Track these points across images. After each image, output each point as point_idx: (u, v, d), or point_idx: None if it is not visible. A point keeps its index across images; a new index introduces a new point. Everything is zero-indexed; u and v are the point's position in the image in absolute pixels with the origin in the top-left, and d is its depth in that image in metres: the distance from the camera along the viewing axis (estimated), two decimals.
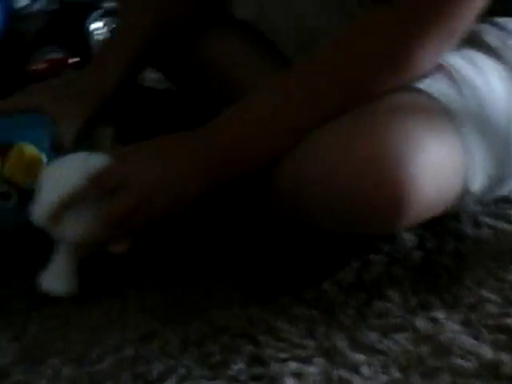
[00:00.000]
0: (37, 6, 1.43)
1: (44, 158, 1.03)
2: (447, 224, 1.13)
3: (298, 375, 0.90)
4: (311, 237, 1.01)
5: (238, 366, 0.91)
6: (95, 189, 0.96)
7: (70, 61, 1.36)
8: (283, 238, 1.03)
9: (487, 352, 0.91)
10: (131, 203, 0.96)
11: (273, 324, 0.97)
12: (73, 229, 0.98)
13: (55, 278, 1.03)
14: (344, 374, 0.89)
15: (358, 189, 0.89)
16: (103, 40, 1.40)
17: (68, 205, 0.96)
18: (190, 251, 1.10)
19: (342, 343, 0.93)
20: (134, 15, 1.15)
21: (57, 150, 1.05)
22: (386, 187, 0.88)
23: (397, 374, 0.89)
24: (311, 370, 0.90)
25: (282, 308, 0.99)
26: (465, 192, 0.98)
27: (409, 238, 1.11)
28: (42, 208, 0.99)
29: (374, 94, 0.93)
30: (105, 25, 1.42)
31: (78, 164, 0.99)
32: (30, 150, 1.03)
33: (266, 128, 0.95)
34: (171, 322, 0.98)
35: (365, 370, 0.90)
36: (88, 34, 1.41)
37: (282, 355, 0.92)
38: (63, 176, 0.99)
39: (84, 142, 1.08)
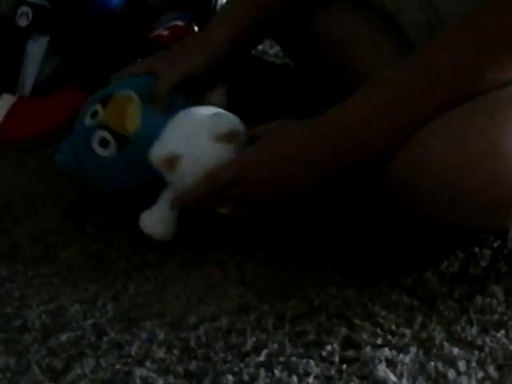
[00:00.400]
0: None
1: (138, 101, 1.04)
2: None
3: (391, 363, 0.88)
4: (418, 224, 0.98)
5: (332, 348, 0.91)
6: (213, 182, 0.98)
7: (192, 28, 1.36)
8: (389, 224, 1.01)
9: None
10: (241, 191, 0.97)
11: (370, 308, 0.95)
12: (187, 176, 0.99)
13: (156, 222, 1.03)
14: (440, 366, 0.88)
15: (471, 183, 0.86)
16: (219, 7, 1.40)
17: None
18: (294, 230, 1.09)
19: (439, 335, 0.91)
20: None
21: (153, 101, 1.06)
22: (497, 184, 0.86)
23: (493, 372, 0.86)
24: (406, 359, 0.89)
25: (380, 293, 0.97)
26: None
27: None
28: (162, 149, 0.99)
29: (487, 85, 0.90)
30: None
31: (205, 118, 0.99)
32: (126, 95, 1.05)
33: (384, 120, 0.94)
34: (268, 296, 0.98)
35: (461, 365, 0.88)
36: (213, 3, 1.41)
37: (377, 341, 0.91)
38: (191, 127, 1.00)
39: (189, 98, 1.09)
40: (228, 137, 0.98)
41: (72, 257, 1.07)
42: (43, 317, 0.98)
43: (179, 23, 1.38)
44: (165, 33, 1.38)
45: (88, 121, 1.05)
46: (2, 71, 1.35)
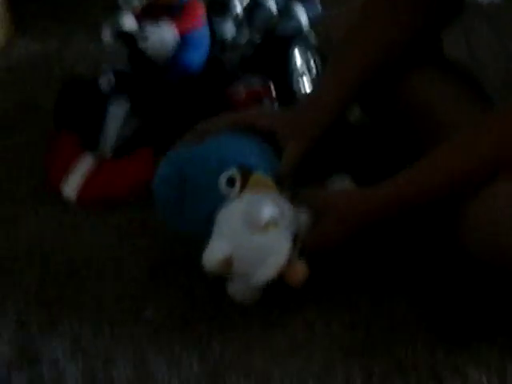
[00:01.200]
0: (242, 37, 1.47)
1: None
2: None
3: None
4: (506, 281, 0.97)
5: None
6: None
7: (270, 92, 1.38)
8: (478, 280, 1.00)
9: None
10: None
11: (461, 368, 0.94)
12: (245, 272, 0.99)
13: (241, 288, 1.03)
14: None
15: None
16: (320, 77, 1.41)
17: None
18: (374, 286, 1.08)
19: None
20: (351, 50, 1.15)
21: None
22: None
23: None
24: None
25: (471, 352, 0.96)
26: None
27: None
28: (212, 256, 0.98)
29: None
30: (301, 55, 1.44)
31: (242, 213, 0.99)
32: (267, 180, 1.04)
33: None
34: (355, 354, 0.97)
35: None
36: (289, 64, 1.43)
37: None
38: (231, 225, 0.99)
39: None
40: (268, 225, 0.98)
41: (156, 318, 1.07)
42: (130, 376, 0.99)
43: (257, 86, 1.39)
44: (242, 95, 1.39)
45: (223, 186, 1.04)
46: (83, 133, 1.38)
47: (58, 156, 1.38)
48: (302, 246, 1.01)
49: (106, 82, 1.35)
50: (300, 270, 1.00)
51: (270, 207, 0.98)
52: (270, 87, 1.37)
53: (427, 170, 0.99)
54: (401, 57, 1.13)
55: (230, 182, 1.03)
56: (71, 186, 1.32)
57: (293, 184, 1.07)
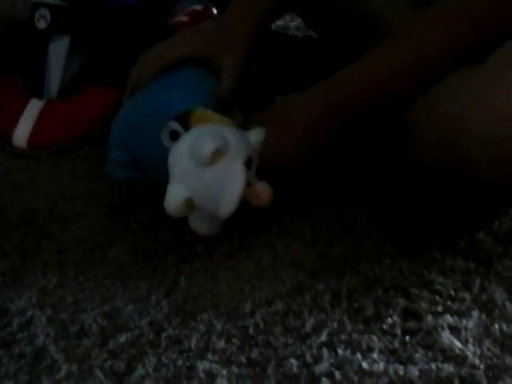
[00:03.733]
0: None
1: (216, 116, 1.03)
2: None
3: (454, 329, 0.87)
4: (464, 185, 0.97)
5: (392, 320, 0.90)
6: None
7: (212, 12, 1.35)
8: (434, 188, 1.00)
9: None
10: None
11: (426, 276, 0.94)
12: (208, 207, 0.99)
13: (203, 220, 1.03)
14: (504, 327, 0.86)
15: None
16: None
17: None
18: (334, 203, 1.08)
19: (500, 296, 0.90)
20: None
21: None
22: None
23: None
24: (469, 323, 0.88)
25: (434, 260, 0.96)
26: None
27: None
28: (172, 200, 0.98)
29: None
30: None
31: (187, 151, 0.97)
32: (204, 111, 1.02)
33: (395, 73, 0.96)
34: (321, 275, 0.97)
35: None
36: None
37: (437, 308, 0.90)
38: (181, 166, 0.98)
39: None
40: (214, 156, 0.97)
41: (120, 256, 1.07)
42: (99, 320, 0.97)
43: (198, 8, 1.36)
44: (184, 18, 1.36)
45: (168, 142, 1.02)
46: (27, 76, 1.34)
47: (5, 103, 1.35)
48: (260, 165, 1.00)
49: (41, 19, 1.31)
50: (263, 191, 0.99)
51: (210, 139, 0.97)
52: (209, 6, 1.34)
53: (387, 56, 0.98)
54: None
55: (174, 135, 1.01)
56: (21, 133, 1.29)
57: (237, 104, 1.05)
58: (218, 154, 0.96)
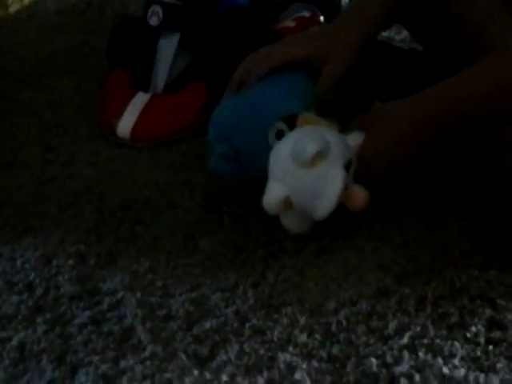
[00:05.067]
0: None
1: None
2: None
3: None
4: None
5: (476, 329, 0.89)
6: None
7: (319, 19, 1.37)
8: None
9: None
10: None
11: None
12: (303, 208, 1.00)
13: (295, 219, 1.05)
14: None
15: None
16: None
17: None
18: (426, 210, 1.08)
19: None
20: None
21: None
22: None
23: None
24: None
25: None
26: None
27: None
28: (270, 199, 1.00)
29: None
30: None
31: (289, 152, 0.99)
32: (313, 118, 1.04)
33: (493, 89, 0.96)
34: (407, 279, 0.98)
35: None
36: None
37: None
38: (282, 165, 1.00)
39: None
40: (315, 158, 0.98)
41: (211, 247, 1.09)
42: (186, 305, 1.00)
43: (306, 14, 1.39)
44: (291, 24, 1.39)
45: (274, 141, 1.04)
46: (135, 70, 1.39)
47: (112, 95, 1.40)
48: (360, 168, 1.01)
49: (154, 16, 1.35)
50: (359, 196, 1.01)
51: (313, 141, 0.98)
52: (317, 13, 1.36)
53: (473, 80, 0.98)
54: None
55: (280, 134, 1.03)
56: (125, 125, 1.34)
57: (335, 109, 1.07)
58: (319, 156, 0.98)
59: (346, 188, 0.99)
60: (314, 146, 0.98)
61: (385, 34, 1.45)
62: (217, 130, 1.09)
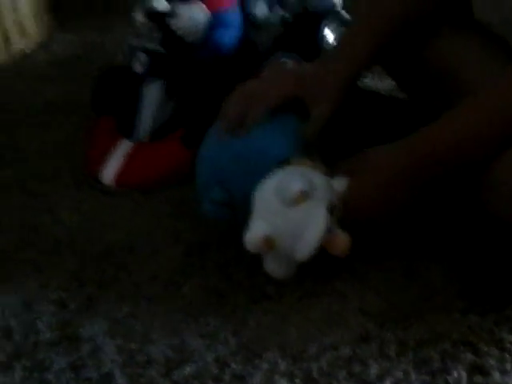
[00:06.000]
0: (274, 16, 1.47)
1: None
2: None
3: None
4: None
5: (458, 374, 0.89)
6: None
7: None
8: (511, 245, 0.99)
9: None
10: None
11: (496, 334, 0.93)
12: (288, 247, 0.99)
13: (278, 263, 1.04)
14: None
15: None
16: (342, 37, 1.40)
17: None
18: (408, 254, 1.08)
19: None
20: (379, 5, 1.14)
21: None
22: None
23: None
24: None
25: (506, 318, 0.95)
26: None
27: None
28: (252, 236, 0.99)
29: None
30: (333, 31, 1.43)
31: (273, 190, 0.99)
32: (305, 161, 1.04)
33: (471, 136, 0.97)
34: (389, 324, 0.97)
35: None
36: (320, 41, 1.43)
37: (505, 366, 0.89)
38: (265, 203, 0.99)
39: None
40: (299, 197, 0.98)
41: (192, 292, 1.08)
42: (166, 351, 0.99)
43: (288, 62, 1.39)
44: None
45: None
46: (119, 117, 1.39)
47: (96, 142, 1.40)
48: (343, 213, 1.01)
49: (138, 63, 1.36)
50: (342, 240, 1.00)
51: (298, 181, 0.98)
52: (300, 62, 1.37)
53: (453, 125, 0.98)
54: (429, 17, 1.13)
55: None
56: (109, 172, 1.34)
57: (321, 152, 1.07)
58: (304, 195, 0.98)
59: (329, 231, 0.99)
60: (299, 184, 0.97)
61: (370, 81, 1.46)
62: (210, 172, 1.09)
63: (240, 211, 1.04)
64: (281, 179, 0.99)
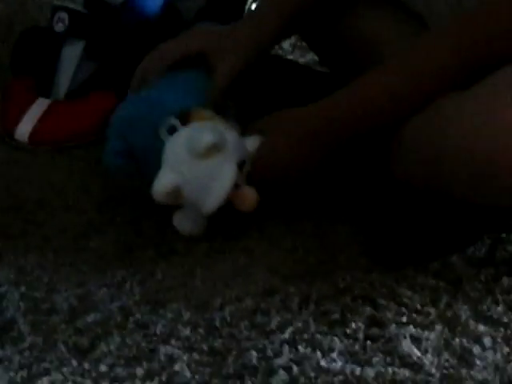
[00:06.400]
0: None
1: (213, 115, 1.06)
2: None
3: (416, 339, 0.88)
4: (445, 207, 0.98)
5: (356, 326, 0.91)
6: None
7: None
8: (415, 208, 1.01)
9: None
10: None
11: (395, 290, 0.96)
12: (195, 200, 1.01)
13: (187, 219, 1.05)
14: (465, 342, 0.87)
15: (499, 155, 0.86)
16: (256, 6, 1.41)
17: None
18: (316, 214, 1.10)
19: (465, 314, 0.91)
20: None
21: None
22: None
23: None
24: (431, 335, 0.89)
25: (406, 276, 0.98)
26: None
27: None
28: (160, 186, 1.00)
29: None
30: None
31: (184, 141, 1.00)
32: (202, 111, 1.05)
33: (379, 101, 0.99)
34: (294, 279, 0.99)
35: (486, 341, 0.88)
36: (244, 12, 1.44)
37: (402, 319, 0.91)
38: (176, 154, 1.00)
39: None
40: (210, 150, 0.99)
41: (101, 246, 1.08)
42: (71, 300, 0.99)
43: None
44: None
45: (166, 136, 1.03)
46: (38, 76, 1.38)
47: (13, 101, 1.38)
48: (252, 170, 1.02)
49: (59, 22, 1.35)
50: (249, 196, 1.01)
51: (209, 133, 0.99)
52: None
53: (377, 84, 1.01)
54: None
55: (173, 130, 1.04)
56: (24, 129, 1.33)
57: (234, 112, 1.08)
58: (214, 149, 0.99)
59: (236, 187, 1.00)
60: (210, 137, 0.98)
61: (290, 56, 1.48)
62: (113, 126, 1.09)
63: (142, 164, 1.05)
64: (192, 132, 1.00)
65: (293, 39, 1.47)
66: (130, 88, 1.14)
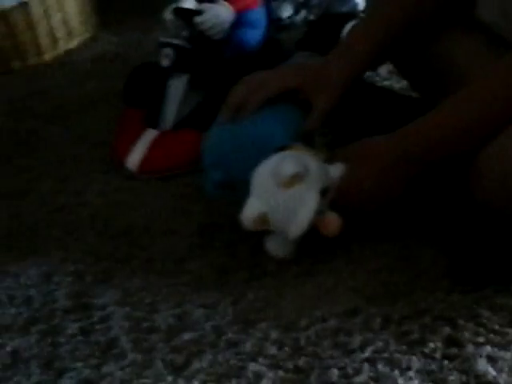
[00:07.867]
0: (299, 17, 1.54)
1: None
2: None
3: (492, 359, 0.91)
4: None
5: (435, 345, 0.94)
6: None
7: None
8: (495, 229, 1.03)
9: None
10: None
11: (474, 310, 0.98)
12: (281, 226, 1.06)
13: (279, 245, 1.11)
14: None
15: None
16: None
17: None
18: (401, 236, 1.13)
19: None
20: (381, 7, 1.20)
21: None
22: None
23: None
24: (507, 355, 0.90)
25: (485, 297, 1.00)
26: None
27: None
28: (248, 213, 1.06)
29: None
30: None
31: (269, 170, 1.05)
32: (304, 149, 1.10)
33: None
34: (376, 300, 1.02)
35: None
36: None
37: (479, 339, 0.93)
38: (262, 181, 1.05)
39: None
40: (292, 179, 1.04)
41: (200, 268, 1.15)
42: (169, 320, 1.06)
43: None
44: None
45: None
46: (148, 109, 1.47)
47: (124, 131, 1.48)
48: (336, 197, 1.07)
49: (165, 58, 1.44)
50: (332, 222, 1.06)
51: (293, 163, 1.04)
52: None
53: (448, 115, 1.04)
54: (432, 15, 1.18)
55: None
56: (134, 158, 1.41)
57: (324, 141, 1.14)
58: (297, 178, 1.04)
59: (320, 213, 1.05)
60: (293, 167, 1.04)
61: (385, 82, 1.52)
62: (212, 156, 1.16)
63: (241, 193, 1.11)
64: (277, 162, 1.06)
65: (390, 66, 1.50)
66: (223, 114, 1.18)
